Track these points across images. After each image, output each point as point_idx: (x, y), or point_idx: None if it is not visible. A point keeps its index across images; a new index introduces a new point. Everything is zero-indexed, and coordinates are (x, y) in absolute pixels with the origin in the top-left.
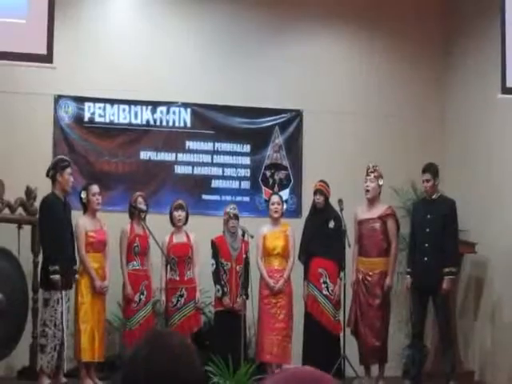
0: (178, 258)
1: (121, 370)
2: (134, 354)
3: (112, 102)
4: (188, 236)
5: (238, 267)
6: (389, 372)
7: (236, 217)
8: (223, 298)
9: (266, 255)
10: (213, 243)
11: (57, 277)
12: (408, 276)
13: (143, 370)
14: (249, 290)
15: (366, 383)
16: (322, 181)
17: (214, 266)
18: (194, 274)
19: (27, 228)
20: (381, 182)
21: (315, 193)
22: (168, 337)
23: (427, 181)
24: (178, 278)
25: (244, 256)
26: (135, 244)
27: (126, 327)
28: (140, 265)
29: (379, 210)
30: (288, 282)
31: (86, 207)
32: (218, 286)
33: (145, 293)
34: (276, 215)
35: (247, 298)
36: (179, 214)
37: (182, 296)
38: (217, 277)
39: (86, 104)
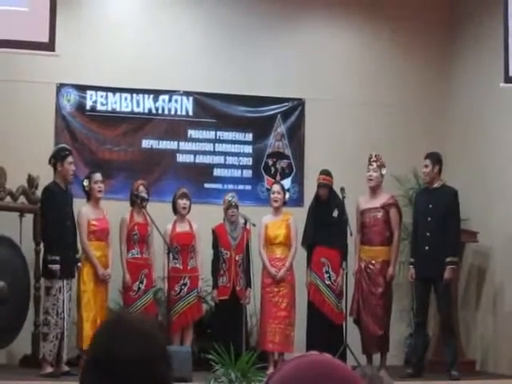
0: (182, 246)
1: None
2: (95, 339)
3: (114, 90)
4: (191, 225)
5: (237, 256)
6: (391, 361)
7: (235, 205)
8: (213, 290)
9: (268, 244)
10: (213, 232)
11: (56, 266)
12: (411, 266)
13: (105, 353)
14: (251, 278)
15: (367, 372)
16: (324, 173)
17: (213, 255)
18: (197, 263)
19: (29, 216)
20: (383, 172)
21: (319, 186)
22: (127, 317)
23: (426, 166)
24: (181, 267)
25: (245, 244)
26: (134, 232)
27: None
28: (139, 253)
29: (382, 199)
30: (290, 271)
31: (89, 195)
32: (213, 278)
33: (144, 281)
34: (276, 204)
35: (250, 287)
36: (184, 203)
37: (185, 285)
38: (212, 267)
39: (88, 92)
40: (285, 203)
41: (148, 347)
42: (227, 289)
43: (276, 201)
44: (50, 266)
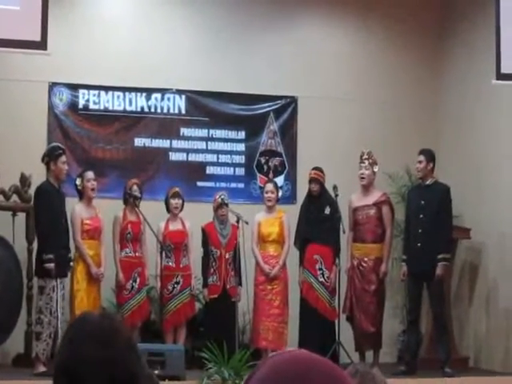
0: (175, 245)
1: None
2: (61, 340)
3: (106, 88)
4: (184, 223)
5: (227, 254)
6: (384, 358)
7: (226, 204)
8: (203, 288)
9: (262, 242)
10: (202, 230)
11: (51, 265)
12: (404, 264)
13: (67, 355)
14: (242, 276)
15: (360, 369)
16: (316, 168)
17: (202, 253)
18: (190, 261)
19: (22, 215)
20: (375, 169)
21: (310, 181)
22: (92, 319)
23: (419, 162)
24: (173, 265)
25: (235, 242)
26: (127, 231)
27: (119, 314)
28: (133, 251)
29: (374, 196)
30: (283, 268)
31: (82, 194)
32: (203, 276)
33: (137, 280)
34: (269, 204)
35: (240, 284)
36: (176, 202)
37: (177, 283)
38: (203, 265)
39: (81, 91)
40: (278, 200)
41: (110, 345)
42: (217, 287)
43: (269, 200)
44: (45, 265)
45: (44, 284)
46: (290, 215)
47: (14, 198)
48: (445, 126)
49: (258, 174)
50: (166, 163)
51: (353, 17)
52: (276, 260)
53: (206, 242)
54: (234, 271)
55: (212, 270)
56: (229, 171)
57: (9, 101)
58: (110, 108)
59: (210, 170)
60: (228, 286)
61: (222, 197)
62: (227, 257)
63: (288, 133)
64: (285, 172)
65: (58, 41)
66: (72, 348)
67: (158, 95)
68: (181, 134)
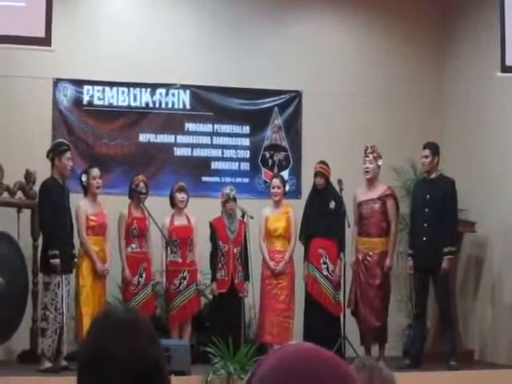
0: (180, 240)
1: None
2: (85, 340)
3: (111, 84)
4: (189, 219)
5: (235, 249)
6: (389, 352)
7: (234, 199)
8: (211, 283)
9: (268, 237)
10: (210, 225)
11: (56, 261)
12: (409, 258)
13: (93, 350)
14: (249, 271)
15: (367, 362)
16: (321, 162)
17: (211, 248)
18: (195, 256)
19: (27, 212)
20: (380, 163)
21: (315, 175)
22: (116, 313)
23: (426, 157)
24: (180, 261)
25: (242, 237)
26: (133, 227)
27: None
28: (139, 247)
29: (379, 190)
30: (290, 263)
31: (87, 190)
32: (211, 270)
33: (143, 275)
34: (276, 199)
35: (248, 280)
36: (182, 196)
37: (184, 278)
38: (211, 260)
39: (85, 87)
40: (285, 193)
41: (135, 338)
42: (226, 282)
43: (276, 195)
44: (51, 260)
45: (49, 280)
46: (294, 210)
47: (19, 194)
48: (449, 119)
49: (263, 169)
50: (170, 158)
51: (356, 12)
52: (282, 255)
53: (214, 237)
54: (241, 266)
55: (220, 264)
56: (234, 166)
57: (13, 97)
58: (115, 104)
59: (214, 164)
60: (236, 281)
61: (228, 191)
62: (235, 252)
63: (292, 127)
64: (289, 166)
65: (62, 37)
66: (97, 343)
67: (163, 90)
68: (185, 129)
